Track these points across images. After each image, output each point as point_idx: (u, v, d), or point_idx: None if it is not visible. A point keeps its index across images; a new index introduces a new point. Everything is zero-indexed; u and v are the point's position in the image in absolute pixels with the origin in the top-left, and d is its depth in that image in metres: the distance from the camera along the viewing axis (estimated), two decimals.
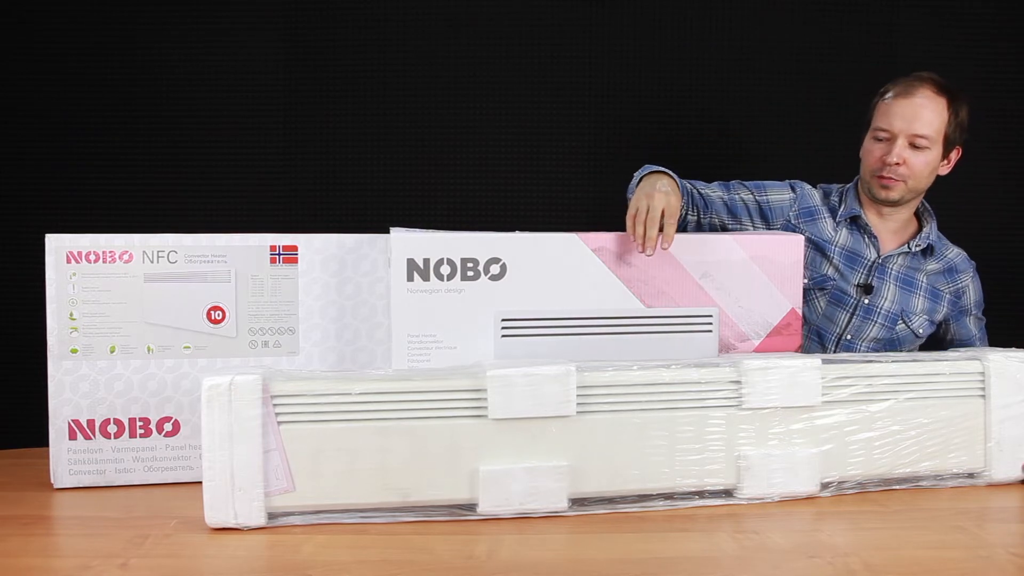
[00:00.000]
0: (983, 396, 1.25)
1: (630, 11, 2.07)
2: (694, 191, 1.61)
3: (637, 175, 1.50)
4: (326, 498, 1.09)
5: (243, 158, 2.08)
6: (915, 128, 1.52)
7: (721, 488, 1.17)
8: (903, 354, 1.29)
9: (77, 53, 2.05)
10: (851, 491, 1.20)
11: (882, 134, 1.55)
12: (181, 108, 2.07)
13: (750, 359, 1.19)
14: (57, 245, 1.24)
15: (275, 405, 1.08)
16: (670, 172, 1.46)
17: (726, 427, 1.17)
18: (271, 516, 1.08)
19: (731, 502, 1.16)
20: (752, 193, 1.64)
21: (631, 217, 1.30)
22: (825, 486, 1.19)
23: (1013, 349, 1.31)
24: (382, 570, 0.95)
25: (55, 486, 1.25)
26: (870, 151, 1.58)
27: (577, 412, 1.12)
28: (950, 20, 2.06)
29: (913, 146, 1.53)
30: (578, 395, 1.12)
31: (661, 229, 1.28)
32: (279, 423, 1.08)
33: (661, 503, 1.15)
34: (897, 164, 1.53)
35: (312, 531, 1.06)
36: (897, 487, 1.22)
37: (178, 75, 2.07)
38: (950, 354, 1.31)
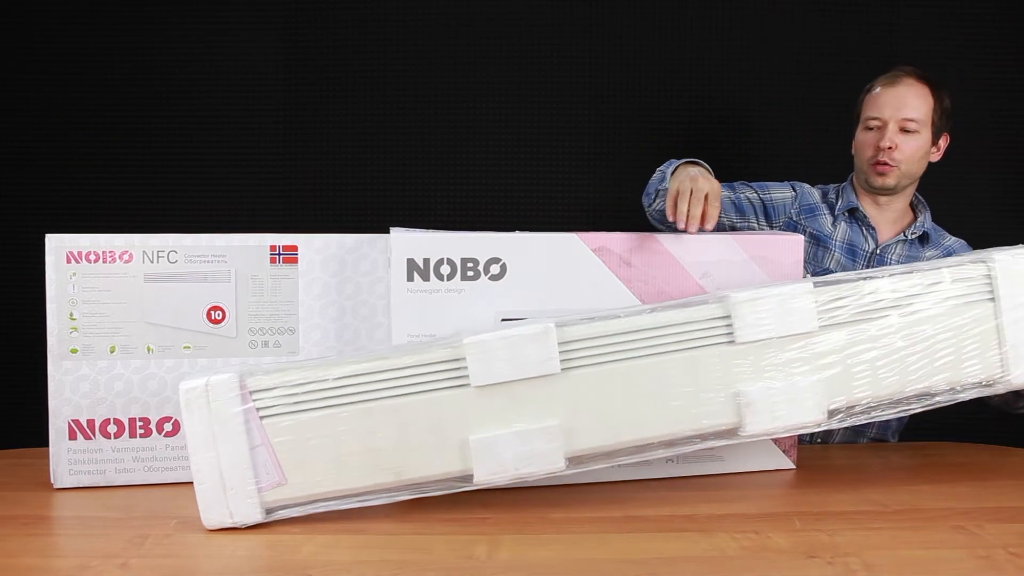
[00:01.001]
0: (992, 299, 1.19)
1: (630, 11, 2.07)
2: None
3: (663, 168, 1.51)
4: (319, 487, 1.08)
5: (243, 158, 2.09)
6: (903, 113, 1.58)
7: (724, 429, 1.13)
8: (899, 266, 1.23)
9: (77, 53, 2.06)
10: (862, 416, 1.15)
11: (873, 123, 1.61)
12: (181, 108, 2.07)
13: (737, 292, 1.15)
14: (57, 245, 1.24)
15: (255, 400, 1.07)
16: (703, 163, 1.46)
17: (720, 365, 1.13)
18: (267, 511, 1.08)
19: (735, 441, 1.13)
20: (756, 192, 1.69)
21: (672, 196, 1.31)
22: (833, 414, 1.14)
23: (1019, 247, 1.24)
24: (382, 570, 0.95)
25: (55, 486, 1.25)
26: (863, 141, 1.63)
27: (561, 369, 1.11)
28: (950, 20, 2.06)
29: (904, 131, 1.58)
30: (560, 351, 1.10)
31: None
32: (261, 418, 1.07)
33: (661, 451, 1.12)
34: (890, 148, 1.58)
35: (312, 531, 1.06)
36: (911, 407, 1.16)
37: (178, 75, 2.07)
38: (950, 259, 1.24)
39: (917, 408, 1.17)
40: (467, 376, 1.10)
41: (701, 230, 1.29)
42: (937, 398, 1.18)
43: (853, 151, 1.67)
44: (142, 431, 1.26)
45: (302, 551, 1.00)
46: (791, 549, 1.01)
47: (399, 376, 1.10)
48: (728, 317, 1.14)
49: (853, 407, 1.16)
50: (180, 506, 1.15)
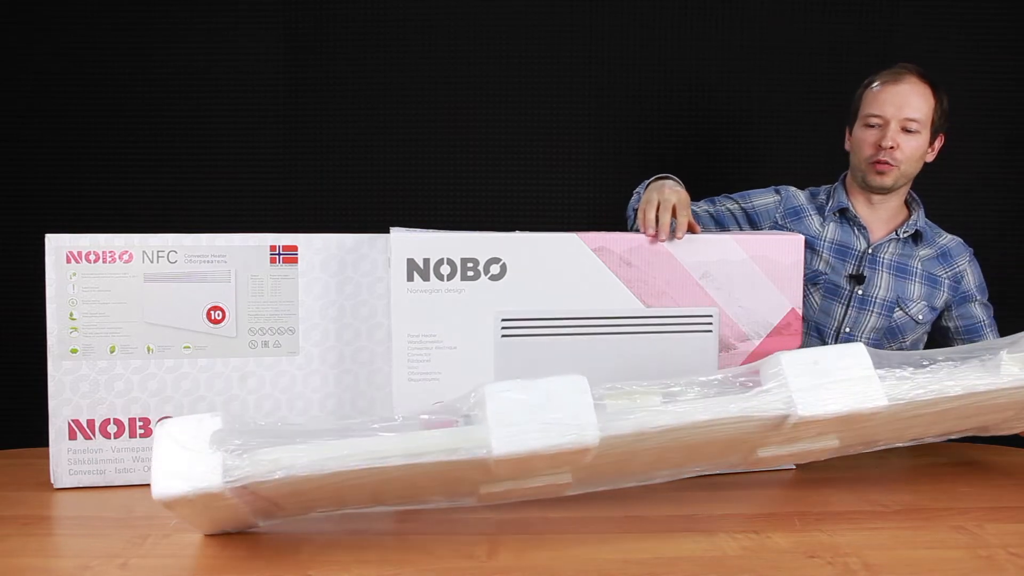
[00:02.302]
0: None
1: (630, 11, 2.07)
2: None
3: (638, 189, 1.55)
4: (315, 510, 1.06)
5: (243, 158, 2.09)
6: (906, 112, 1.56)
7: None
8: (959, 348, 1.17)
9: (77, 53, 2.05)
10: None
11: (874, 120, 1.59)
12: (182, 108, 2.07)
13: (797, 379, 1.04)
14: (57, 245, 1.24)
15: (246, 488, 0.94)
16: (673, 176, 1.50)
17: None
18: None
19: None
20: (737, 202, 1.69)
21: (642, 210, 1.33)
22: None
23: None
24: (382, 570, 0.95)
25: (55, 486, 1.25)
26: (862, 139, 1.61)
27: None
28: (950, 20, 2.06)
29: (905, 130, 1.57)
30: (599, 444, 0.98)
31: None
32: (254, 492, 0.96)
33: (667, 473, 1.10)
34: (892, 148, 1.56)
35: (312, 531, 1.06)
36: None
37: (179, 75, 2.07)
38: (1006, 339, 1.20)
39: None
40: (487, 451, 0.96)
41: (673, 239, 1.30)
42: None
43: (848, 147, 1.66)
44: (142, 431, 1.26)
45: (302, 551, 1.00)
46: (791, 549, 1.01)
47: (411, 464, 0.95)
48: (788, 416, 1.05)
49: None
50: None
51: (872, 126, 1.59)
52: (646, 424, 0.99)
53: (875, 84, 1.61)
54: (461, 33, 2.07)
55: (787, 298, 1.33)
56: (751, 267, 1.31)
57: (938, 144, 1.64)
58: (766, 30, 2.07)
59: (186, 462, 0.94)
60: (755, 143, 2.10)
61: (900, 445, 1.20)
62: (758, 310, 1.32)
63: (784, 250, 1.32)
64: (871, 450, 1.20)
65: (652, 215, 1.31)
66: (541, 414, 0.96)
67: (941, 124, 1.61)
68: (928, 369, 1.11)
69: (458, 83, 2.08)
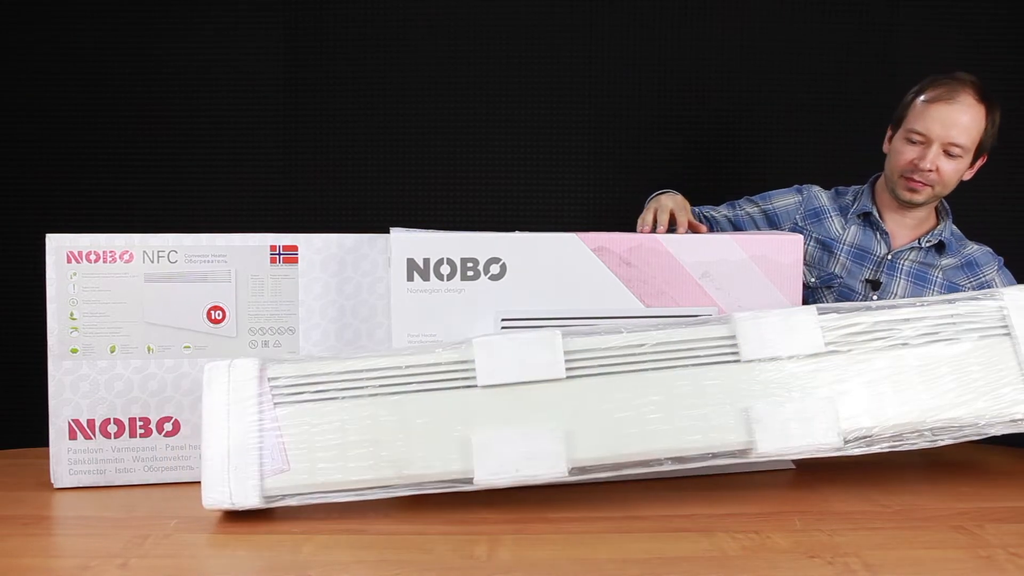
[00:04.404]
0: (1008, 334, 1.17)
1: (630, 11, 2.07)
2: (701, 214, 1.67)
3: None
4: (320, 476, 1.09)
5: (243, 158, 2.09)
6: (952, 136, 1.49)
7: (736, 448, 1.12)
8: (905, 300, 1.21)
9: (78, 53, 2.06)
10: (885, 444, 1.13)
11: (917, 137, 1.52)
12: (181, 108, 2.07)
13: (740, 313, 1.17)
14: (57, 245, 1.24)
15: (271, 386, 1.10)
16: (672, 190, 1.55)
17: (727, 383, 1.13)
18: (267, 499, 1.08)
19: (748, 461, 1.12)
20: (757, 205, 1.67)
21: (641, 219, 1.41)
22: (854, 440, 1.12)
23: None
24: (382, 570, 0.95)
25: (55, 486, 1.25)
26: (900, 152, 1.54)
27: (567, 377, 1.12)
28: (950, 20, 2.06)
29: (947, 153, 1.50)
30: (567, 360, 1.12)
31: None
32: (275, 404, 1.09)
33: (669, 466, 1.11)
34: (930, 171, 1.51)
35: (312, 531, 1.06)
36: (938, 439, 1.13)
37: (179, 75, 2.07)
38: (959, 295, 1.22)
39: (947, 439, 1.14)
40: (474, 377, 1.11)
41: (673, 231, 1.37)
42: (965, 430, 1.15)
43: (885, 150, 1.60)
44: (142, 431, 1.26)
45: (302, 551, 1.00)
46: (791, 549, 1.01)
47: (408, 373, 1.12)
48: (733, 337, 1.15)
49: (871, 436, 1.14)
50: (180, 506, 1.15)
51: (913, 142, 1.52)
52: (605, 343, 1.14)
53: (928, 96, 1.51)
54: (461, 33, 2.08)
55: (787, 298, 1.33)
56: (751, 267, 1.31)
57: (979, 163, 1.57)
58: (766, 30, 2.07)
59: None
60: (755, 143, 2.10)
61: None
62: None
63: (783, 250, 1.32)
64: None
65: (650, 217, 1.39)
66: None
67: (988, 145, 1.54)
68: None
69: (458, 83, 2.08)
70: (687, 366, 1.14)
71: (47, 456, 1.25)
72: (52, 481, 1.25)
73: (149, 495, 1.22)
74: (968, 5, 2.05)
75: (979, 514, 1.12)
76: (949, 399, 1.15)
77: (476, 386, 1.11)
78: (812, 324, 1.15)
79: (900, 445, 1.14)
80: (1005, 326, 1.18)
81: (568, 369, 1.12)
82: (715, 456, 1.12)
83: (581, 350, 1.14)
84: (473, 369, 1.11)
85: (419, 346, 1.19)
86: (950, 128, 1.49)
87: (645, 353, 1.14)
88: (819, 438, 1.12)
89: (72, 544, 1.07)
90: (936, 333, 1.17)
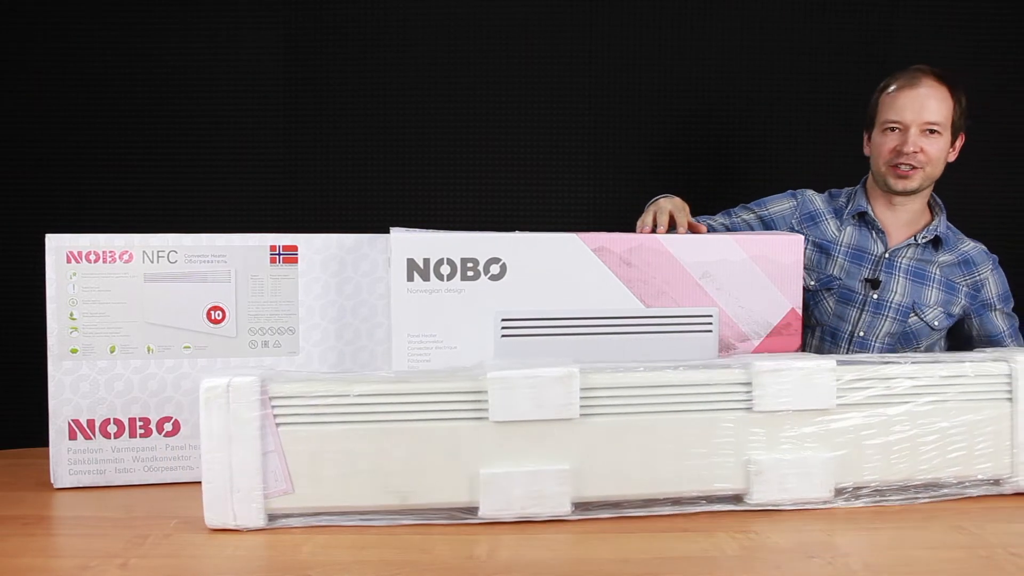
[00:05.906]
0: (1010, 399, 1.19)
1: (629, 11, 2.07)
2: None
3: None
4: (325, 500, 1.08)
5: (243, 158, 2.09)
6: (925, 116, 1.55)
7: (731, 494, 1.14)
8: (923, 355, 1.23)
9: (78, 53, 2.06)
10: (868, 500, 1.16)
11: (894, 125, 1.57)
12: (181, 108, 2.07)
13: (761, 360, 1.15)
14: (57, 245, 1.24)
15: (273, 407, 1.07)
16: (669, 194, 1.55)
17: (735, 431, 1.13)
18: (271, 518, 1.08)
19: (740, 508, 1.14)
20: (753, 212, 1.69)
21: (640, 222, 1.42)
22: (840, 492, 1.15)
23: None
24: (382, 570, 0.95)
25: (55, 486, 1.25)
26: (882, 144, 1.59)
27: (580, 415, 1.10)
28: (949, 20, 2.06)
29: (927, 133, 1.55)
30: (581, 397, 1.10)
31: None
32: (277, 424, 1.07)
33: (668, 508, 1.13)
34: (915, 152, 1.55)
35: (312, 531, 1.06)
36: (918, 495, 1.17)
37: (179, 75, 2.07)
38: (974, 354, 1.25)
39: (924, 498, 1.17)
40: (487, 409, 1.09)
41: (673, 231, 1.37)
42: (945, 490, 1.17)
43: (867, 152, 1.64)
44: (142, 431, 1.26)
45: (302, 551, 1.00)
46: (791, 549, 1.01)
47: (420, 401, 1.09)
48: (749, 384, 1.13)
49: (860, 489, 1.16)
50: (180, 506, 1.15)
51: (893, 130, 1.57)
52: (622, 381, 1.12)
53: (891, 88, 1.58)
54: (461, 33, 2.08)
55: (787, 298, 1.33)
56: (751, 267, 1.31)
57: (959, 143, 1.62)
58: (766, 30, 2.07)
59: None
60: (754, 143, 2.10)
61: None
62: (758, 310, 1.32)
63: (784, 250, 1.32)
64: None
65: (649, 219, 1.40)
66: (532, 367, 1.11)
67: (961, 124, 1.59)
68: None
69: (458, 83, 2.08)
70: (700, 411, 1.13)
71: (47, 456, 1.25)
72: (52, 481, 1.25)
73: (149, 495, 1.22)
74: (968, 5, 2.05)
75: (979, 514, 1.12)
76: (939, 460, 1.17)
77: (487, 419, 1.09)
78: (830, 383, 1.14)
79: (883, 501, 1.16)
80: (1009, 390, 1.19)
81: (583, 407, 1.10)
82: (709, 502, 1.14)
83: (597, 387, 1.11)
84: (486, 401, 1.08)
85: (430, 372, 1.15)
86: (921, 110, 1.55)
87: (659, 396, 1.12)
88: (812, 492, 1.14)
89: (72, 544, 1.07)
90: (943, 391, 1.17)
